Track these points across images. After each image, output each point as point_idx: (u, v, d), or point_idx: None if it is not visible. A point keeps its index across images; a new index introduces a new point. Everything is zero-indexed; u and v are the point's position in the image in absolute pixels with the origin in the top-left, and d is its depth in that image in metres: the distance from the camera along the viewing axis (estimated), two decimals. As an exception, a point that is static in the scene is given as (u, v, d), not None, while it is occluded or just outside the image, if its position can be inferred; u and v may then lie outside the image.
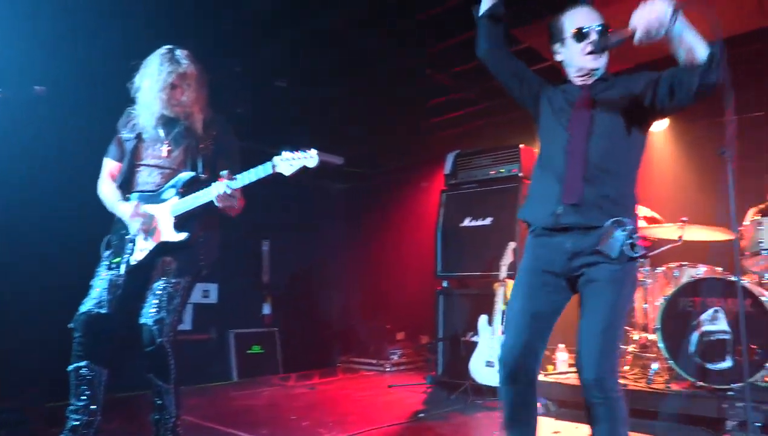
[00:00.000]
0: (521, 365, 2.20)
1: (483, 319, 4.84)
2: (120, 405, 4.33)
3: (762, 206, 4.36)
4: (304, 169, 2.73)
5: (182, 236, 2.88)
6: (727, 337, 3.72)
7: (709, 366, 3.74)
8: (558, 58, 2.41)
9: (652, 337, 4.29)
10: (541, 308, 2.24)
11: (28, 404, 3.70)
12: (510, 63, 2.45)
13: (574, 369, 4.60)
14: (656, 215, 4.71)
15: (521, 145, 5.30)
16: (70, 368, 2.80)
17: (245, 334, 6.63)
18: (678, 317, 3.95)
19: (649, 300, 4.45)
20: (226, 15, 4.11)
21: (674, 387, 3.93)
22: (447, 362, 5.39)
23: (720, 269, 4.18)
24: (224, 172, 2.79)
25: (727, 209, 3.36)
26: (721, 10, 3.82)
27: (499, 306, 4.72)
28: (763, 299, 3.67)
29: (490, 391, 4.75)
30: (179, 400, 2.92)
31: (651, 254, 4.44)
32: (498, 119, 6.35)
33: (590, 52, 2.23)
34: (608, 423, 2.07)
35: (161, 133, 3.01)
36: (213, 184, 2.81)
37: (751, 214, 4.36)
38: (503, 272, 4.79)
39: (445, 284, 5.57)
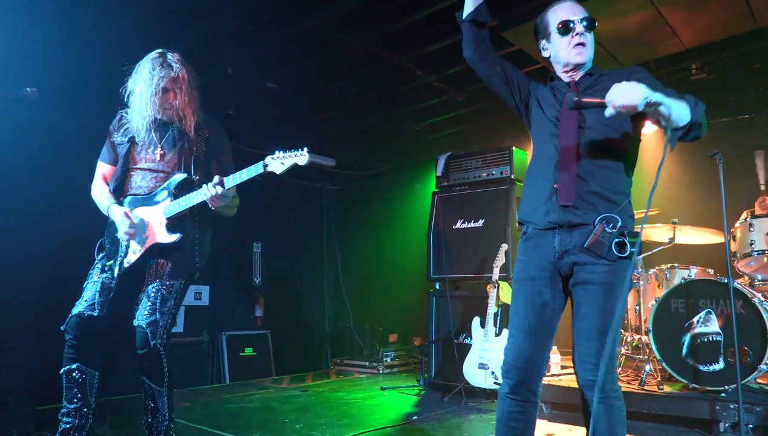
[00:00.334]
0: (524, 380, 2.20)
1: (476, 321, 4.85)
2: (112, 408, 4.32)
3: (753, 209, 4.39)
4: (295, 166, 2.72)
5: (175, 236, 2.87)
6: (719, 339, 3.75)
7: (702, 368, 3.77)
8: (545, 54, 2.42)
9: (644, 338, 4.32)
10: (539, 318, 2.22)
11: (19, 407, 3.67)
12: (497, 66, 2.45)
13: (566, 371, 4.65)
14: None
15: (512, 147, 5.31)
16: (62, 370, 2.79)
17: (237, 336, 6.62)
18: (670, 318, 3.97)
19: (642, 302, 4.47)
20: (217, 17, 4.10)
21: (667, 389, 3.95)
22: (440, 364, 5.39)
23: (711, 270, 4.20)
24: (216, 176, 2.79)
25: (719, 211, 3.40)
26: (711, 13, 3.90)
27: (492, 308, 4.73)
28: (754, 300, 3.69)
29: (483, 393, 4.76)
30: (172, 403, 2.91)
31: (642, 255, 4.47)
32: (489, 121, 6.36)
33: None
34: (607, 422, 2.07)
35: (154, 136, 3.00)
36: (205, 185, 2.80)
37: (743, 217, 4.38)
38: (496, 273, 4.80)
39: (437, 286, 5.57)
